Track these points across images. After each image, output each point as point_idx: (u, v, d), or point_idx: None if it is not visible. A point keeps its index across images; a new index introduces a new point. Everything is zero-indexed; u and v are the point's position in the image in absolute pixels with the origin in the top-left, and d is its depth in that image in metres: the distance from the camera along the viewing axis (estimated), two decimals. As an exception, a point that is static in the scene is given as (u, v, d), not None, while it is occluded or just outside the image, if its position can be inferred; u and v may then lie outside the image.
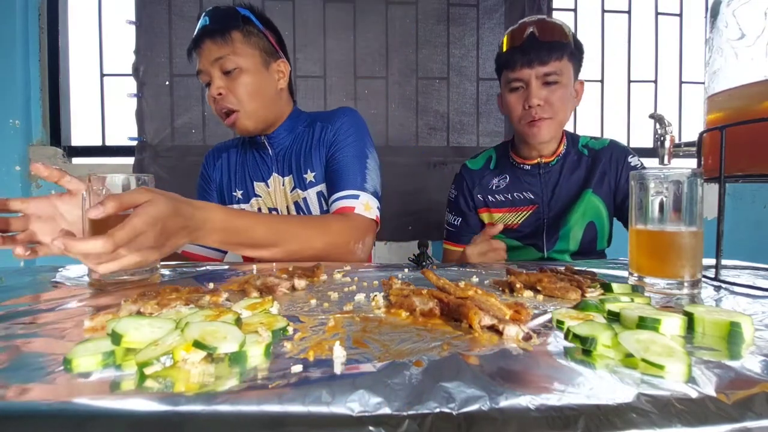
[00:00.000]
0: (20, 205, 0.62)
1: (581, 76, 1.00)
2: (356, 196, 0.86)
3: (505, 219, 1.05)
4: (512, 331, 0.33)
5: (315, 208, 0.94)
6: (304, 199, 0.94)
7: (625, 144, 1.06)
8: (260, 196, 0.97)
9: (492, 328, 0.34)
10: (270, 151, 0.95)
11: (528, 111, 0.94)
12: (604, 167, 1.01)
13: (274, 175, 0.96)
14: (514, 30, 0.96)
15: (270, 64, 0.91)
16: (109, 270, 0.50)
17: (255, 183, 0.97)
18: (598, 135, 1.06)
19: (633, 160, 1.02)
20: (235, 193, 0.98)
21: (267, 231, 0.69)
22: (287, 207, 0.96)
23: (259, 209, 0.97)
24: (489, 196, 1.07)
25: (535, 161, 1.02)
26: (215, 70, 0.86)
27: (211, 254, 0.98)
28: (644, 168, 1.00)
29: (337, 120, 0.94)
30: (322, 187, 0.93)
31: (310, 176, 0.93)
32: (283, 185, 0.95)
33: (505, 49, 0.97)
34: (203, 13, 0.88)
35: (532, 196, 1.03)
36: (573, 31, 0.94)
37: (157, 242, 0.52)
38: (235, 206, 0.97)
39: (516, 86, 0.95)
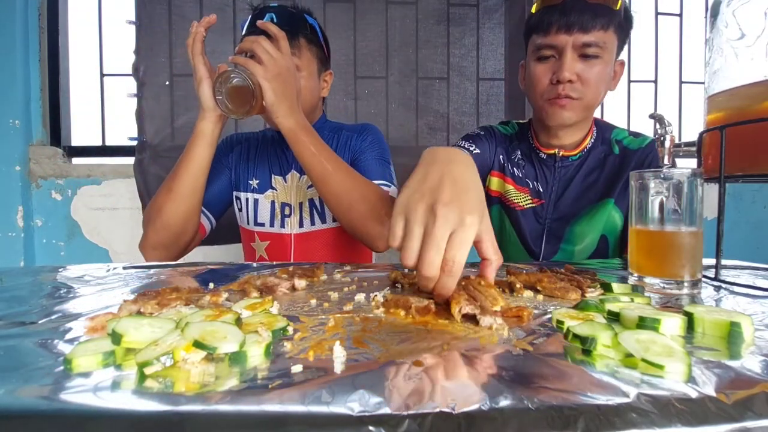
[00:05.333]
0: None
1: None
2: (389, 186, 0.91)
3: (516, 196, 0.92)
4: (487, 322, 0.35)
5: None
6: (320, 197, 0.94)
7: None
8: (276, 189, 0.98)
9: (470, 317, 0.36)
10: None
11: (554, 86, 0.77)
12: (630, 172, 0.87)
13: (293, 171, 0.98)
14: None
15: (321, 72, 0.96)
16: (247, 47, 0.72)
17: (273, 176, 0.99)
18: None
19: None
20: (251, 182, 0.99)
21: (324, 146, 0.78)
22: (300, 203, 0.97)
23: (273, 202, 0.98)
24: (508, 164, 0.93)
25: (553, 151, 0.87)
26: None
27: (202, 220, 0.95)
28: None
29: (365, 133, 1.00)
30: None
31: None
32: (300, 181, 0.98)
33: (538, 7, 0.79)
34: (262, 8, 0.88)
35: (541, 189, 0.89)
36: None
37: (275, 62, 0.72)
38: (250, 195, 0.99)
39: (546, 55, 0.78)
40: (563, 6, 0.74)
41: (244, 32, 0.88)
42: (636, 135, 0.89)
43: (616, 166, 0.86)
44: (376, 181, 0.90)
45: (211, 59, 0.80)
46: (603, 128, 0.90)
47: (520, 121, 0.99)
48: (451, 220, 0.39)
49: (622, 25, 0.78)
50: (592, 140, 0.88)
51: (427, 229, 0.39)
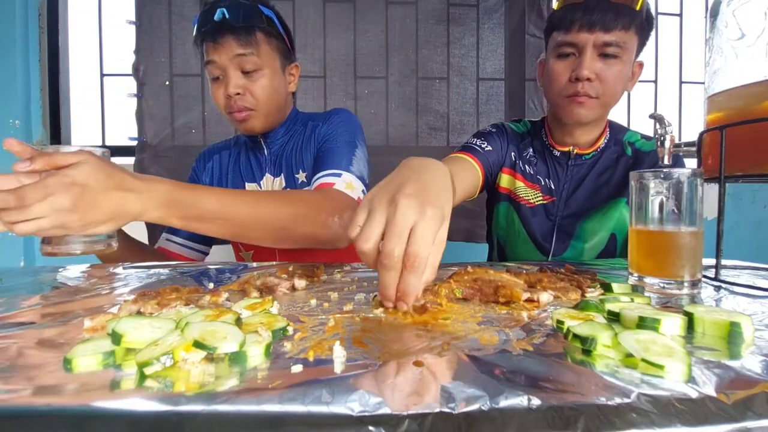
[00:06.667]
0: None
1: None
2: (338, 174, 0.82)
3: (526, 193, 0.94)
4: (545, 297, 0.42)
5: None
6: None
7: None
8: None
9: (529, 300, 0.42)
10: (266, 151, 0.95)
11: (573, 84, 0.78)
12: None
13: (267, 175, 0.95)
14: None
15: (285, 66, 0.91)
16: (24, 231, 0.48)
17: (247, 184, 0.96)
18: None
19: None
20: None
21: (215, 201, 0.62)
22: None
23: None
24: (519, 161, 0.94)
25: (567, 149, 0.89)
26: (233, 68, 0.83)
27: (191, 254, 0.96)
28: None
29: (330, 119, 0.93)
30: None
31: (302, 176, 0.92)
32: (274, 184, 0.94)
33: (560, 5, 0.80)
34: (212, 3, 0.81)
35: (552, 187, 0.91)
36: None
37: (78, 205, 0.49)
38: None
39: (566, 52, 0.79)
40: (586, 4, 0.75)
41: (194, 32, 0.83)
42: (648, 138, 0.91)
43: (629, 167, 0.87)
44: (323, 173, 0.82)
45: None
46: (616, 130, 0.91)
47: (533, 120, 0.99)
48: (413, 209, 0.37)
49: (643, 25, 0.78)
50: (606, 141, 0.89)
51: (388, 219, 0.38)
